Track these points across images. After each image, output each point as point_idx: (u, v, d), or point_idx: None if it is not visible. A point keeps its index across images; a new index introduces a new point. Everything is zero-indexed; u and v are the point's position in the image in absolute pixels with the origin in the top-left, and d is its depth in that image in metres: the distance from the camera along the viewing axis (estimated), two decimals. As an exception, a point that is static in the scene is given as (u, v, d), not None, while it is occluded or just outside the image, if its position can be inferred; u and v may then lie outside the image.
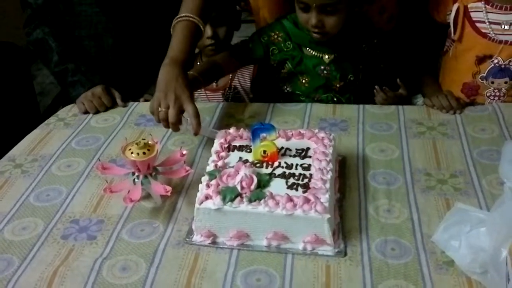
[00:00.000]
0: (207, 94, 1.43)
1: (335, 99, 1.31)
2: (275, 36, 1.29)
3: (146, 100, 1.37)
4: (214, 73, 1.28)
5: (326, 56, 1.27)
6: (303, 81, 1.30)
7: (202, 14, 1.12)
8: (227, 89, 1.44)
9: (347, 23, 1.20)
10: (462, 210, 0.84)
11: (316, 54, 1.27)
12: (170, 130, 1.06)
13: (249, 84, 1.45)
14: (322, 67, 1.27)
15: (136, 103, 1.34)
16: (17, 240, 0.87)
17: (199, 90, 1.37)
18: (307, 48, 1.27)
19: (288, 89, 1.33)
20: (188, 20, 1.10)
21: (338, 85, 1.29)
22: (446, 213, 0.86)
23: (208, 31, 1.34)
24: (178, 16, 1.11)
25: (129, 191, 0.89)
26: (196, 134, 1.00)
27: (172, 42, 1.09)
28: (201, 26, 1.11)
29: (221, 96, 1.44)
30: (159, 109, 1.00)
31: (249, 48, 1.31)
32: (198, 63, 1.43)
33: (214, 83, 1.41)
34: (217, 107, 1.28)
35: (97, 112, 1.30)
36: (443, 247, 0.80)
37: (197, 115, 0.99)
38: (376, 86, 1.27)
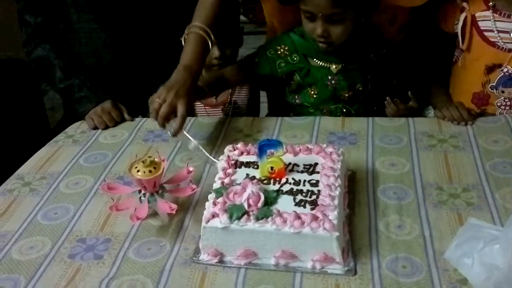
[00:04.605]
0: (207, 109, 1.43)
1: (344, 110, 1.30)
2: (281, 50, 1.29)
3: None
4: (220, 85, 1.33)
5: (334, 66, 1.26)
6: (312, 92, 1.30)
7: (213, 25, 1.16)
8: (227, 104, 1.43)
9: (354, 33, 1.20)
10: (475, 225, 0.82)
11: (323, 64, 1.27)
12: (178, 146, 1.16)
13: (246, 102, 1.45)
14: (330, 77, 1.26)
15: (144, 118, 1.33)
16: (24, 260, 0.87)
17: (199, 105, 1.41)
18: (314, 59, 1.27)
19: (297, 100, 1.33)
20: (200, 33, 1.14)
21: (346, 95, 1.28)
22: (459, 229, 0.84)
23: (216, 52, 1.34)
24: (191, 25, 1.15)
25: (136, 209, 0.89)
26: (174, 135, 1.06)
27: (186, 51, 1.14)
28: (210, 42, 1.15)
29: (221, 111, 1.43)
30: (157, 100, 1.04)
31: (255, 62, 1.32)
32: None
33: (213, 99, 1.41)
34: (225, 121, 1.28)
35: (106, 127, 1.30)
36: (455, 265, 0.78)
37: (183, 118, 1.04)
38: (387, 98, 1.26)
